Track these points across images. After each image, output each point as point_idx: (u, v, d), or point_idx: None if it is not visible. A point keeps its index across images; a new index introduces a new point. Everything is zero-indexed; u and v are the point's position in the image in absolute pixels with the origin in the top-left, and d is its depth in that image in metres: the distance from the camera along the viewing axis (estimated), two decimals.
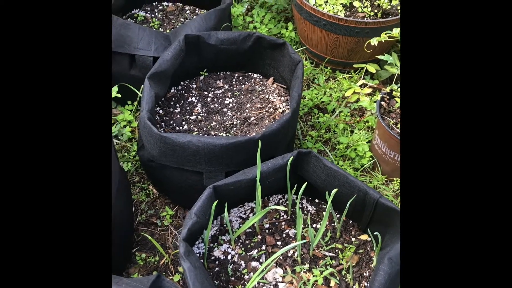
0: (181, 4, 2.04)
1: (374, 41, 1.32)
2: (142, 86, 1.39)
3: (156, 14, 1.97)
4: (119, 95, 1.44)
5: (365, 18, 1.81)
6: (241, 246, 1.22)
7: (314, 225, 1.27)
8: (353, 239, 1.24)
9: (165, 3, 2.03)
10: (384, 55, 1.45)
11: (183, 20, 1.94)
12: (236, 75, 1.70)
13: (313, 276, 1.14)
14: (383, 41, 1.40)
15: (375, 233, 1.14)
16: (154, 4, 2.03)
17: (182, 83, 1.64)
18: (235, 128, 1.50)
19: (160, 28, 1.90)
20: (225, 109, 1.57)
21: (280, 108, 1.55)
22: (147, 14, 1.96)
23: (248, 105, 1.57)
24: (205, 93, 1.63)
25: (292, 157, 1.20)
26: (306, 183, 1.18)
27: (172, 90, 1.61)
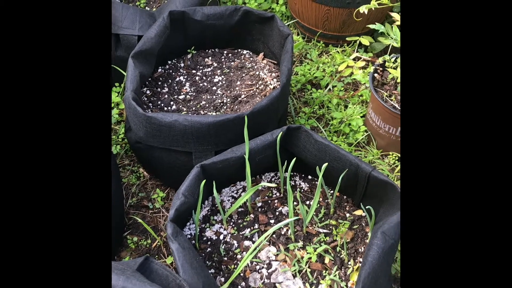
0: None
1: (363, 9, 1.27)
2: None
3: None
4: None
5: None
6: (233, 225, 1.19)
7: (307, 202, 1.24)
8: (348, 214, 1.21)
9: None
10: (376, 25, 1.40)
11: None
12: (225, 52, 1.65)
13: (307, 253, 1.12)
14: (373, 9, 1.35)
15: (367, 207, 1.11)
16: None
17: (169, 62, 1.60)
18: (225, 107, 1.46)
19: (147, 7, 1.84)
20: (214, 88, 1.52)
21: (271, 85, 1.51)
22: None
23: (238, 83, 1.53)
24: (194, 71, 1.58)
25: (281, 132, 1.16)
26: (295, 158, 1.14)
27: (159, 70, 1.57)
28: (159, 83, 1.53)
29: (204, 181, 1.08)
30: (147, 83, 1.50)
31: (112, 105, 1.58)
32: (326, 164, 1.06)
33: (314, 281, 1.07)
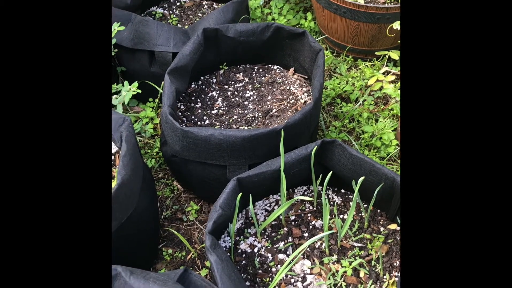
0: (198, 0, 2.03)
1: (396, 25, 1.28)
2: (163, 82, 1.39)
3: (174, 10, 1.97)
4: (140, 91, 1.45)
5: (386, 4, 1.77)
6: (267, 238, 1.21)
7: (341, 216, 1.25)
8: (382, 228, 1.21)
9: None
10: None
11: (201, 15, 1.93)
12: (256, 67, 1.68)
13: (342, 267, 1.12)
14: None
15: None
16: (171, 0, 2.03)
17: (202, 78, 1.64)
18: (256, 121, 1.48)
19: (179, 24, 1.89)
20: (246, 102, 1.55)
21: (302, 99, 1.53)
22: (165, 11, 1.96)
23: (269, 97, 1.56)
24: (226, 87, 1.62)
25: (316, 146, 1.17)
26: (331, 172, 1.15)
27: (193, 85, 1.61)
28: (193, 98, 1.57)
29: (240, 194, 1.10)
30: (181, 98, 1.54)
31: (147, 119, 1.62)
32: (363, 178, 1.06)
33: None
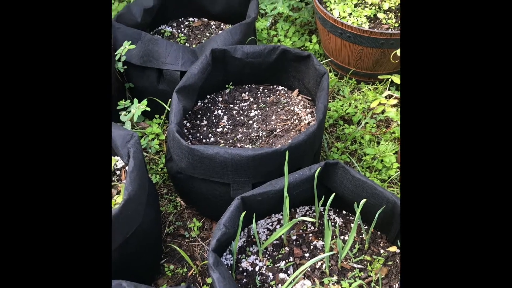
0: (206, 20, 2.08)
1: (399, 52, 1.32)
2: (170, 99, 1.42)
3: (183, 29, 2.02)
4: (149, 109, 1.48)
5: (390, 30, 1.81)
6: (268, 257, 1.22)
7: (342, 237, 1.26)
8: (382, 250, 1.23)
9: (191, 19, 2.08)
10: None
11: (208, 35, 1.98)
12: (261, 87, 1.72)
13: None
14: None
15: None
16: (180, 20, 2.08)
17: (208, 96, 1.67)
18: (260, 140, 1.51)
19: (187, 43, 1.94)
20: (250, 122, 1.58)
21: (306, 120, 1.55)
22: (174, 30, 2.01)
23: (274, 117, 1.59)
24: (231, 106, 1.65)
25: (319, 168, 1.20)
26: (333, 194, 1.17)
27: (199, 104, 1.64)
28: (199, 116, 1.60)
29: (244, 212, 1.12)
30: (187, 116, 1.57)
31: (153, 135, 1.65)
32: (365, 200, 1.08)
33: None
